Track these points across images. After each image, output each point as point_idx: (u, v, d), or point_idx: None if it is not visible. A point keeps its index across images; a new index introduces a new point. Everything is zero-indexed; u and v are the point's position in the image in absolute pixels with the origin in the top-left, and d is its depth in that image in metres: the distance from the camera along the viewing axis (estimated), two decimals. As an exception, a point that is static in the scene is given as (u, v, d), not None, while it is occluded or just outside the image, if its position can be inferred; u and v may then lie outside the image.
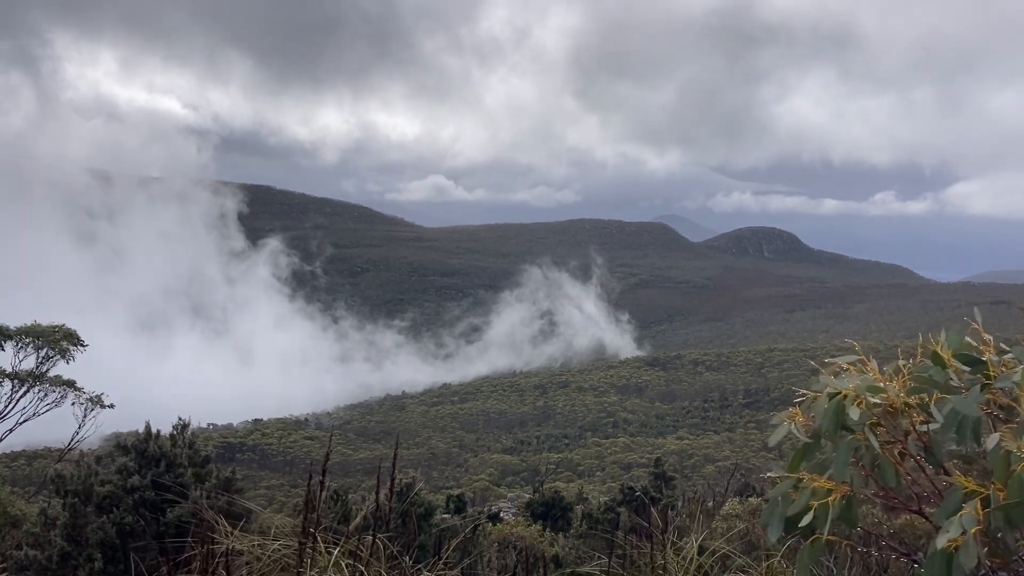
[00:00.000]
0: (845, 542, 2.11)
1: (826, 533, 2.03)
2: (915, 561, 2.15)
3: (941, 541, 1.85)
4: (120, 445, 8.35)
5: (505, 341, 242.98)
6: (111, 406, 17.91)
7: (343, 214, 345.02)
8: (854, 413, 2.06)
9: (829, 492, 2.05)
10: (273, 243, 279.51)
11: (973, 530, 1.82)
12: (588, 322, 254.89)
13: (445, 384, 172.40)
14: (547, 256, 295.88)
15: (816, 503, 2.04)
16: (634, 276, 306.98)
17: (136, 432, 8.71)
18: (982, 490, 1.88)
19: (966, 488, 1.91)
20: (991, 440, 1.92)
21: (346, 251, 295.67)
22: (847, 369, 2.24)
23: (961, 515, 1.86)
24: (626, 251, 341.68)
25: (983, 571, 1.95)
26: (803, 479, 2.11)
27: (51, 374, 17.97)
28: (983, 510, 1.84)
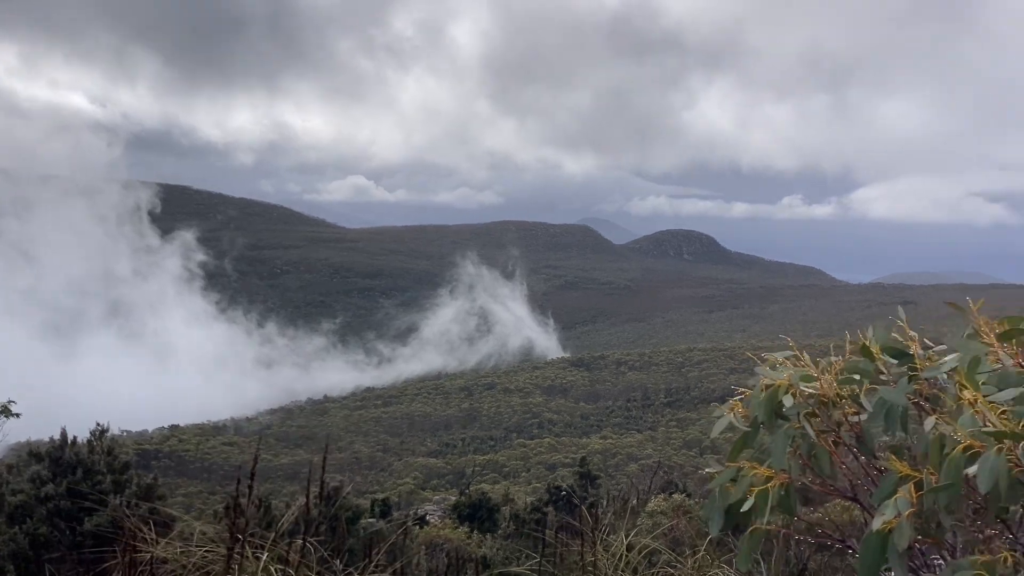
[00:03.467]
0: (783, 531, 2.19)
1: (765, 521, 2.11)
2: (849, 547, 2.24)
3: (877, 523, 1.96)
4: (33, 453, 8.02)
5: (432, 343, 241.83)
6: (18, 415, 17.09)
7: (262, 214, 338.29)
8: (788, 401, 2.15)
9: (767, 481, 2.13)
10: (190, 243, 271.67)
11: (907, 512, 1.92)
12: (515, 324, 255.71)
13: (369, 388, 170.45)
14: (472, 257, 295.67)
15: (755, 490, 2.12)
16: (559, 277, 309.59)
17: (49, 439, 8.38)
18: (916, 474, 1.98)
19: (900, 473, 2.01)
20: (927, 424, 2.03)
21: (266, 252, 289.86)
22: (782, 363, 2.33)
23: (896, 498, 1.95)
24: (550, 253, 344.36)
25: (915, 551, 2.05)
26: (742, 469, 2.19)
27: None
28: (916, 493, 1.94)
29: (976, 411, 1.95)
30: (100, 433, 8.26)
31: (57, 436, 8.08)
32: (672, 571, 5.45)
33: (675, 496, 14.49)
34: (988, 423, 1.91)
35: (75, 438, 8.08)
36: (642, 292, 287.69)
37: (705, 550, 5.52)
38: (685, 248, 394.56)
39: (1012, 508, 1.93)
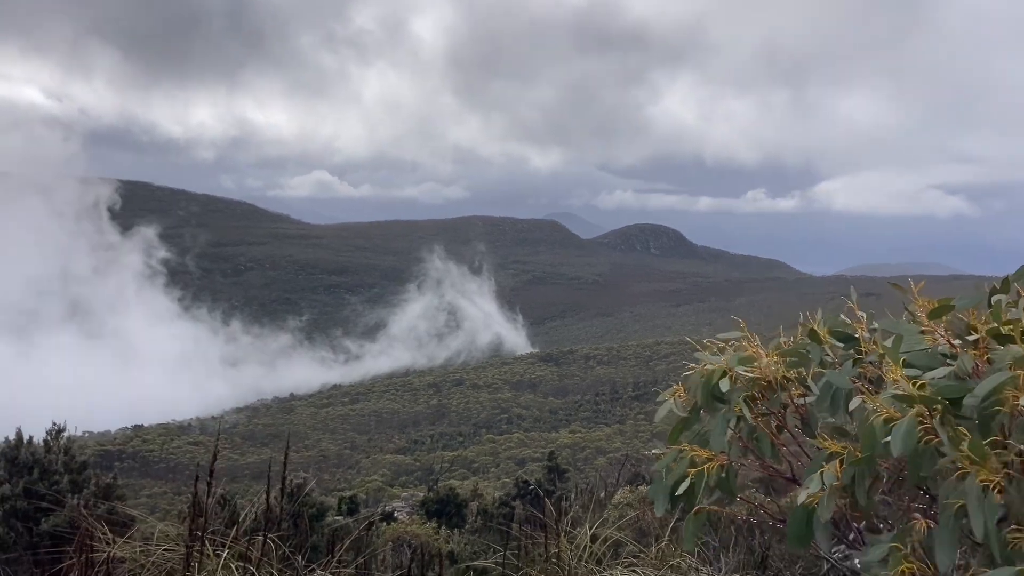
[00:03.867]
0: (726, 511, 2.23)
1: (705, 500, 2.15)
2: (789, 525, 2.30)
3: (802, 496, 2.02)
4: (-13, 454, 7.87)
5: (400, 339, 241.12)
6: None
7: (225, 211, 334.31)
8: (724, 385, 2.20)
9: (707, 463, 2.17)
10: (151, 240, 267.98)
11: (832, 485, 1.97)
12: (483, 319, 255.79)
13: (336, 385, 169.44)
14: (439, 253, 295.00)
15: (692, 471, 2.16)
16: (527, 273, 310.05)
17: (4, 440, 8.22)
18: (843, 450, 2.04)
19: (830, 449, 2.07)
20: (854, 402, 2.08)
21: (229, 249, 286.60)
22: (729, 345, 2.37)
23: (822, 472, 2.01)
24: (518, 248, 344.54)
25: (845, 526, 2.11)
26: (683, 451, 2.23)
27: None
28: (841, 467, 2.00)
29: (898, 387, 2.00)
30: (56, 433, 8.13)
31: (12, 437, 7.94)
32: (636, 561, 5.49)
33: (642, 488, 14.58)
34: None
35: (31, 438, 7.94)
36: (610, 287, 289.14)
37: (668, 539, 5.56)
38: (652, 242, 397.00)
39: (931, 477, 1.97)
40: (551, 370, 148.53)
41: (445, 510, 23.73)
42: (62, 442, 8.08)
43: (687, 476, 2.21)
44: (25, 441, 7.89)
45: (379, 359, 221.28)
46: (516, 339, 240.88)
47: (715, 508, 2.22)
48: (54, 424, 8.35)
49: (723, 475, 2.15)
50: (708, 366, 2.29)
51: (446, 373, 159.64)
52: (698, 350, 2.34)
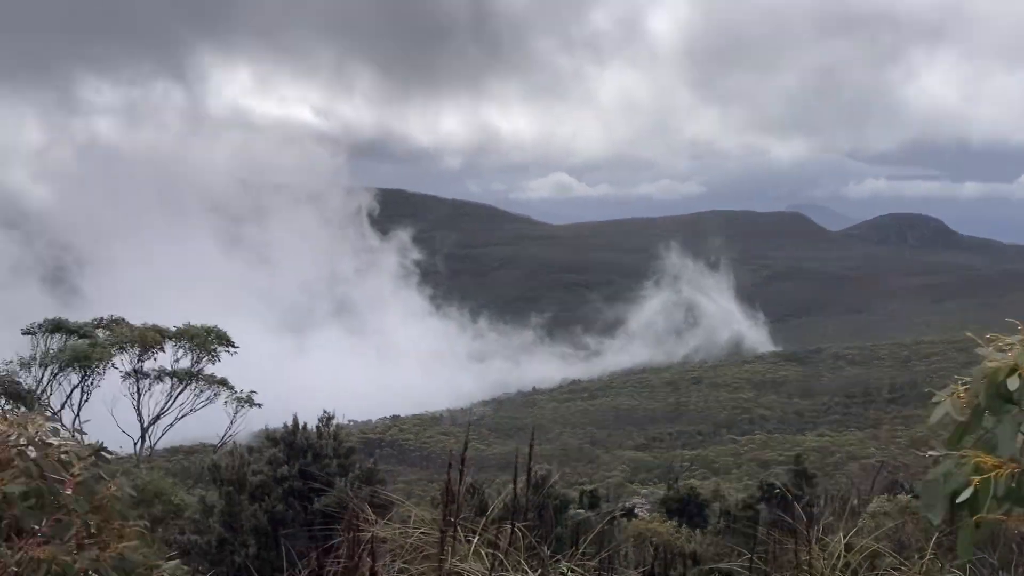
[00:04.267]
0: (1007, 525, 1.98)
1: (988, 511, 1.91)
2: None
3: None
4: (270, 437, 8.81)
5: (638, 336, 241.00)
6: (259, 405, 18.92)
7: (472, 214, 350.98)
8: (1012, 384, 1.94)
9: (994, 470, 1.93)
10: (406, 243, 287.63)
11: None
12: (721, 316, 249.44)
13: (575, 380, 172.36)
14: (676, 249, 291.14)
15: (977, 479, 1.92)
16: (767, 268, 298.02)
17: (283, 426, 9.17)
18: None
19: None
20: None
21: (476, 250, 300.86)
22: (1014, 345, 2.12)
23: None
24: (758, 242, 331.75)
25: None
26: (965, 456, 2.00)
27: (205, 372, 19.10)
28: None
29: None
30: (327, 420, 8.95)
31: (290, 423, 8.87)
32: (896, 574, 5.13)
33: (900, 497, 13.53)
34: None
35: (305, 424, 8.81)
36: (861, 281, 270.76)
37: (933, 554, 5.14)
38: (909, 233, 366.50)
39: None
40: (795, 370, 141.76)
41: (686, 509, 23.40)
42: (332, 429, 8.90)
43: (970, 484, 1.99)
44: (300, 427, 8.78)
45: (618, 355, 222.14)
46: (756, 337, 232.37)
47: (1001, 518, 1.93)
48: (325, 412, 9.20)
49: (1013, 484, 1.91)
50: (992, 363, 2.05)
51: (683, 371, 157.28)
52: (979, 346, 2.08)
